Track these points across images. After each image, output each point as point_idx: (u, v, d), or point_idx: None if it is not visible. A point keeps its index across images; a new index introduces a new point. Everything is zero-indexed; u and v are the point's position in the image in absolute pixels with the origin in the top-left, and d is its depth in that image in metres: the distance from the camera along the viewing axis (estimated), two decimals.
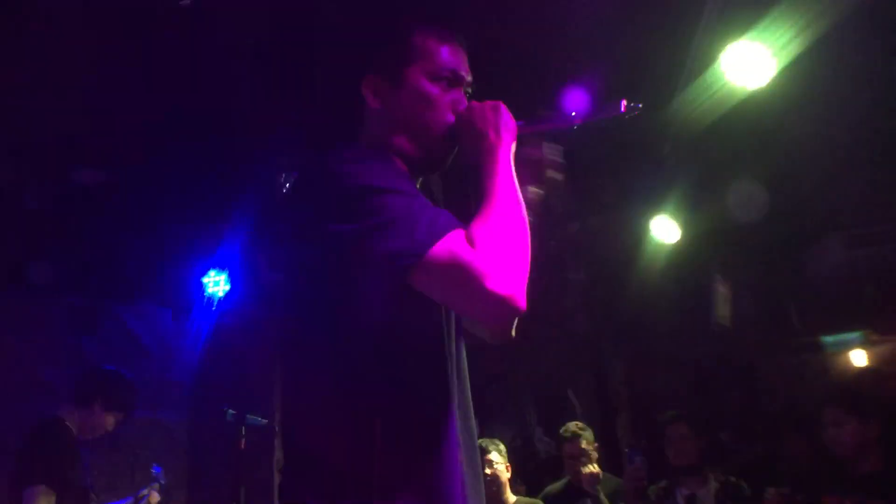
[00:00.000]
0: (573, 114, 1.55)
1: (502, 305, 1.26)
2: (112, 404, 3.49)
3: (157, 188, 5.41)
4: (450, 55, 1.57)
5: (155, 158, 5.12)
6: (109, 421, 3.52)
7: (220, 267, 5.50)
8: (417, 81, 1.54)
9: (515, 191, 1.42)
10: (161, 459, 5.30)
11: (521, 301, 1.28)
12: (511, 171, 1.45)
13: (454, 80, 1.57)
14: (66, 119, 4.72)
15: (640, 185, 5.33)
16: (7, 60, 3.98)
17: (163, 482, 4.01)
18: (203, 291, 5.56)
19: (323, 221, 1.35)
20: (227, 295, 5.55)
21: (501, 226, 1.34)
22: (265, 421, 3.90)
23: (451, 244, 1.28)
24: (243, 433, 3.85)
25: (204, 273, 5.55)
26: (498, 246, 1.30)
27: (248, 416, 3.83)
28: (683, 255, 5.56)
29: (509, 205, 1.39)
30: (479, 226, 1.34)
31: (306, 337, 1.42)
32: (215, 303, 5.60)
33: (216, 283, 5.52)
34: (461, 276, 1.26)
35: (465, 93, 1.61)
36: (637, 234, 5.47)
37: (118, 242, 5.43)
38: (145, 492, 3.90)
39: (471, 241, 1.30)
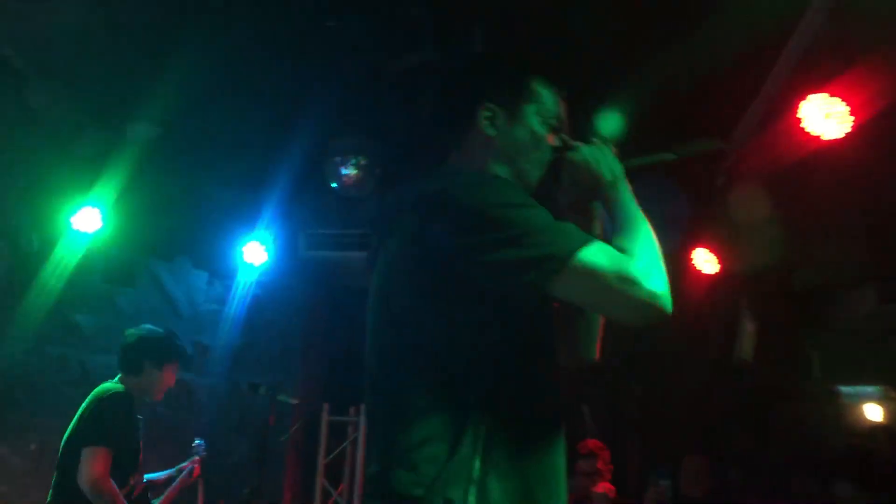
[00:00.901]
0: (669, 150, 1.77)
1: (654, 306, 1.39)
2: (161, 360, 3.55)
3: (209, 153, 5.49)
4: (558, 105, 1.75)
5: (213, 123, 5.20)
6: (169, 376, 3.59)
7: (261, 238, 5.55)
8: (532, 121, 1.69)
9: (644, 215, 1.58)
10: (180, 417, 5.41)
11: (670, 302, 1.41)
12: (634, 200, 1.63)
13: (557, 127, 1.73)
14: (123, 71, 4.83)
15: (682, 214, 5.37)
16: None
17: (204, 455, 4.04)
18: (240, 260, 5.61)
19: (454, 236, 1.42)
20: (265, 267, 5.60)
21: (645, 240, 1.50)
22: (296, 401, 3.96)
23: (598, 250, 1.40)
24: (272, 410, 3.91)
25: (243, 242, 5.60)
26: (647, 254, 1.45)
27: (280, 394, 3.89)
28: (716, 288, 5.57)
29: (645, 225, 1.55)
30: (626, 240, 1.49)
31: (422, 340, 1.47)
32: (253, 272, 5.66)
33: (254, 253, 5.57)
34: (612, 278, 1.37)
35: (562, 139, 1.75)
36: (673, 262, 5.48)
37: (165, 199, 5.50)
38: (187, 465, 3.96)
39: (619, 250, 1.44)
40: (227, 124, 5.19)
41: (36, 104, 4.77)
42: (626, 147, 1.78)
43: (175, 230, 5.66)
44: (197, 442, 4.09)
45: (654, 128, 3.49)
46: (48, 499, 3.25)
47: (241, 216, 5.64)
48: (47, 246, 5.17)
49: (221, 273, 5.85)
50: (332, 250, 5.53)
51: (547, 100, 1.71)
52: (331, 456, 5.61)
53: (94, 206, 5.11)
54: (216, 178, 5.78)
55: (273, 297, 5.80)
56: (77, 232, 5.09)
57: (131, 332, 3.62)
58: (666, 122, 3.74)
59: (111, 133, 5.17)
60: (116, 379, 3.46)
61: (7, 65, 4.57)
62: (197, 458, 4.01)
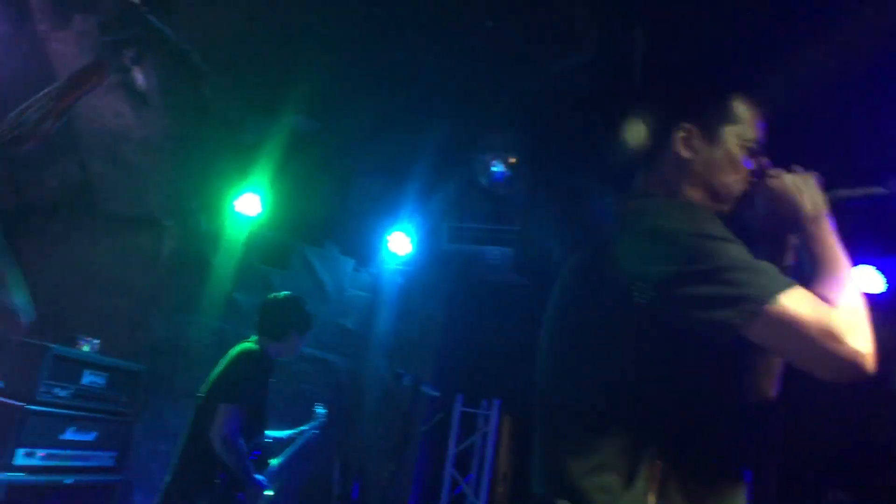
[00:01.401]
0: (881, 185, 1.60)
1: (856, 364, 1.29)
2: (303, 329, 3.78)
3: (360, 145, 5.70)
4: (759, 127, 1.61)
5: (365, 116, 5.39)
6: (300, 343, 3.82)
7: (405, 228, 5.71)
8: (731, 143, 1.58)
9: (846, 256, 1.46)
10: (320, 395, 5.68)
11: (873, 361, 1.29)
12: (837, 238, 1.49)
13: (757, 151, 1.61)
14: (285, 66, 5.09)
15: None
16: None
17: (324, 422, 4.24)
18: (386, 249, 5.80)
19: (646, 265, 1.36)
20: (409, 257, 5.76)
21: (849, 288, 1.38)
22: (437, 393, 4.04)
23: (801, 297, 1.30)
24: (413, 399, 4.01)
25: (389, 231, 5.78)
26: (852, 306, 1.34)
27: (423, 385, 3.98)
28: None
29: (848, 270, 1.43)
30: (828, 287, 1.37)
31: (603, 368, 1.42)
32: (397, 261, 5.84)
33: (399, 243, 5.73)
34: (814, 329, 1.28)
35: (760, 163, 1.62)
36: None
37: (317, 188, 5.78)
38: (307, 429, 4.17)
39: (822, 298, 1.32)
40: (378, 117, 5.37)
41: (209, 96, 5.11)
42: (829, 178, 1.62)
43: (326, 217, 5.95)
44: (319, 410, 4.26)
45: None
46: (180, 449, 3.44)
47: (388, 206, 5.83)
48: (213, 227, 5.56)
49: (367, 260, 6.07)
50: (474, 244, 5.59)
51: (745, 120, 1.59)
52: (461, 447, 5.72)
53: (254, 191, 5.46)
54: (365, 169, 6.01)
55: (415, 286, 5.95)
56: (240, 215, 5.46)
57: (275, 295, 3.87)
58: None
59: (272, 124, 5.49)
60: (253, 340, 3.64)
61: (188, 60, 4.95)
62: (317, 423, 4.19)
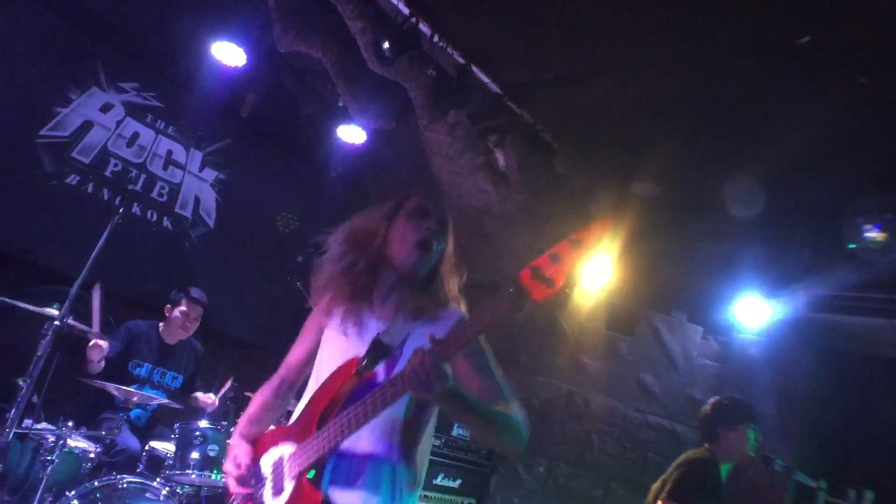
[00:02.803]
0: None
1: None
2: (730, 423, 3.65)
3: (704, 209, 5.57)
4: None
5: (708, 180, 5.27)
6: (739, 439, 3.65)
7: (758, 295, 5.39)
8: None
9: None
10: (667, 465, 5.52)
11: None
12: None
13: None
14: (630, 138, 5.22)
15: None
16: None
17: None
18: (735, 316, 5.53)
19: None
20: (763, 325, 5.42)
21: None
22: (814, 484, 3.67)
23: None
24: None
25: (739, 297, 5.51)
26: None
27: (797, 472, 3.67)
28: None
29: None
30: None
31: None
32: (748, 330, 5.53)
33: (751, 310, 5.42)
34: None
35: None
36: None
37: (662, 254, 5.76)
38: None
39: None
40: (723, 180, 5.21)
41: (559, 170, 5.45)
42: None
43: (671, 284, 5.88)
44: None
45: None
46: None
47: (736, 272, 5.56)
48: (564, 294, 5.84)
49: (716, 328, 5.83)
50: (842, 314, 5.06)
51: None
52: None
53: (603, 259, 5.62)
54: (710, 234, 5.84)
55: (771, 358, 5.53)
56: (589, 283, 5.66)
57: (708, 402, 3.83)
58: None
59: (620, 193, 5.65)
60: (701, 449, 3.67)
61: (539, 139, 5.38)
62: None
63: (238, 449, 2.04)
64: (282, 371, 2.19)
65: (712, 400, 3.78)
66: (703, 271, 5.88)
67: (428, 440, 1.95)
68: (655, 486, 3.55)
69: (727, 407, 3.69)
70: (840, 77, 3.98)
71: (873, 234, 4.43)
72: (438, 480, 4.68)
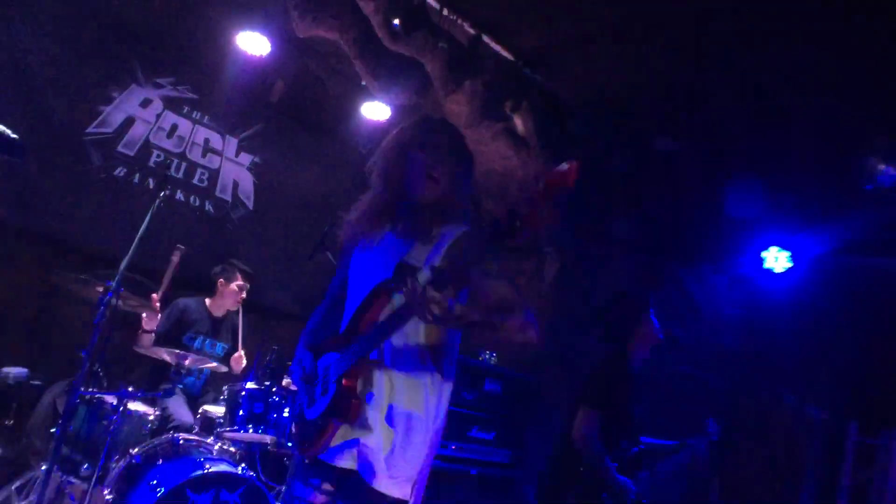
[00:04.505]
0: None
1: None
2: (637, 317, 3.87)
3: (728, 160, 5.64)
4: None
5: (732, 130, 5.34)
6: (649, 331, 3.87)
7: (783, 244, 5.46)
8: None
9: None
10: (695, 412, 5.68)
11: None
12: None
13: None
14: (649, 93, 5.32)
15: None
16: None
17: (714, 439, 4.08)
18: (761, 265, 5.62)
19: None
20: (786, 273, 5.50)
21: None
22: (825, 416, 3.79)
23: None
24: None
25: (765, 247, 5.59)
26: None
27: (807, 406, 3.80)
28: None
29: None
30: None
31: None
32: (774, 277, 5.61)
33: (776, 259, 5.51)
34: None
35: None
36: None
37: (686, 207, 5.87)
38: (693, 443, 4.09)
39: None
40: (746, 130, 5.27)
41: (575, 131, 5.61)
42: None
43: (697, 236, 5.98)
44: (709, 423, 4.14)
45: None
46: (553, 448, 3.80)
47: (761, 221, 5.63)
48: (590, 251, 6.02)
49: (742, 278, 5.93)
50: (864, 256, 5.11)
51: None
52: (856, 480, 5.17)
53: (628, 215, 5.79)
54: (735, 185, 5.89)
55: (795, 304, 5.62)
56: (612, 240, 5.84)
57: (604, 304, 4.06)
58: None
59: (637, 149, 5.76)
60: (611, 350, 3.86)
61: (555, 102, 5.53)
62: (705, 438, 4.11)
63: (302, 354, 2.37)
64: (328, 295, 2.52)
65: (609, 305, 3.95)
66: (728, 222, 5.96)
67: (450, 351, 2.21)
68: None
69: (628, 303, 3.89)
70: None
71: (888, 174, 4.47)
72: (473, 433, 4.94)
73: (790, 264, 5.45)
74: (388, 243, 2.26)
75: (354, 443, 2.09)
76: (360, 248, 2.35)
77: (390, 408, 2.09)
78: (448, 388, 2.20)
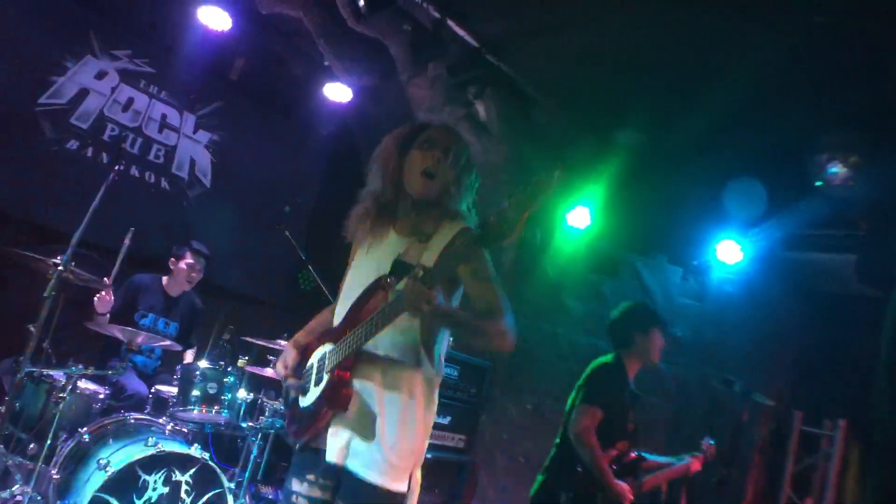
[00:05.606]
0: None
1: None
2: (645, 325, 3.88)
3: (686, 153, 5.73)
4: None
5: (690, 125, 5.42)
6: (657, 339, 3.92)
7: (734, 235, 5.59)
8: None
9: None
10: (647, 400, 5.80)
11: None
12: None
13: None
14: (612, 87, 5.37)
15: None
16: None
17: (710, 457, 4.05)
18: (713, 256, 5.74)
19: None
20: (739, 265, 5.62)
21: None
22: (771, 402, 3.90)
23: None
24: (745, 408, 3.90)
25: (717, 239, 5.71)
26: None
27: (754, 394, 3.91)
28: None
29: None
30: None
31: None
32: (726, 270, 5.73)
33: (728, 251, 5.63)
34: None
35: None
36: None
37: (645, 199, 5.95)
38: (688, 459, 4.04)
39: None
40: (704, 125, 5.36)
41: (539, 121, 5.64)
42: None
43: (653, 227, 6.08)
44: (707, 441, 4.14)
45: None
46: (551, 452, 3.81)
47: (716, 215, 5.75)
48: (546, 239, 6.08)
49: (695, 269, 6.05)
50: (811, 251, 5.26)
51: None
52: (800, 466, 5.37)
53: (585, 205, 5.85)
54: (692, 178, 6.00)
55: (746, 295, 5.77)
56: (571, 228, 5.90)
57: (614, 310, 4.05)
58: None
59: (600, 141, 5.82)
60: (611, 355, 3.88)
61: (518, 90, 5.55)
62: (700, 455, 4.08)
63: (287, 353, 2.38)
64: (339, 296, 2.50)
65: (623, 306, 3.98)
66: (684, 214, 6.07)
67: (440, 345, 2.24)
68: (572, 396, 3.76)
69: (640, 311, 3.94)
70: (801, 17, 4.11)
71: (836, 171, 4.60)
72: None
73: (742, 258, 5.56)
74: (389, 242, 2.29)
75: (348, 435, 2.09)
76: (363, 248, 2.37)
77: (384, 399, 2.11)
78: (438, 380, 2.23)
